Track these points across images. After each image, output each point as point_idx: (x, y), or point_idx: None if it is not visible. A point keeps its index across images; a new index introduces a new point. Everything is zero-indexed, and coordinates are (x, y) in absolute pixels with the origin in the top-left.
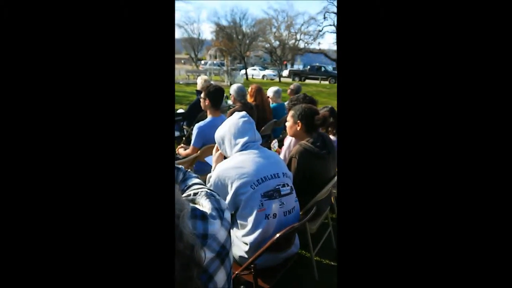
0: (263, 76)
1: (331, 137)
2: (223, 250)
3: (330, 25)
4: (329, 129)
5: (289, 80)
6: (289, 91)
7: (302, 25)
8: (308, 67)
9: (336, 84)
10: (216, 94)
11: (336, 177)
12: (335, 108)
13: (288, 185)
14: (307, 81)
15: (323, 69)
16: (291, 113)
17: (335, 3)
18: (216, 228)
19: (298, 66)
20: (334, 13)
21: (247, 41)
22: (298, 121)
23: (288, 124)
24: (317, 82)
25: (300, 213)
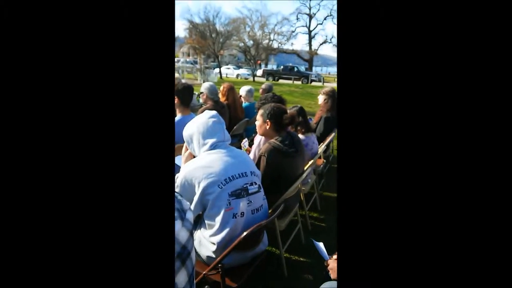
0: (237, 75)
1: (300, 136)
2: (184, 251)
3: (303, 26)
4: (298, 128)
5: (263, 79)
6: (261, 90)
7: (276, 25)
8: (282, 67)
9: (308, 85)
10: (185, 92)
11: (304, 175)
12: (305, 108)
13: (256, 184)
14: (281, 81)
15: (296, 69)
16: (260, 112)
17: (308, 4)
18: (177, 228)
19: (272, 66)
20: (307, 14)
21: (221, 40)
22: (267, 120)
23: (257, 123)
24: (290, 82)
25: (270, 211)
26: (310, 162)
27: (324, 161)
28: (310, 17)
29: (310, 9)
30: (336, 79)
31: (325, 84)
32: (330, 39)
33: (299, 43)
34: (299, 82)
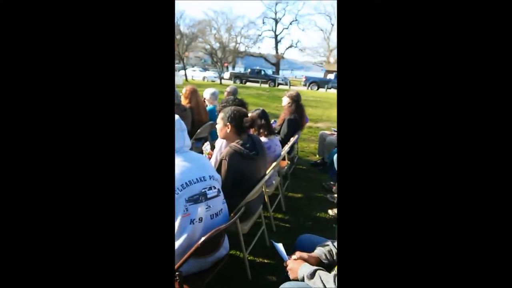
0: (204, 77)
1: (263, 138)
2: None
3: (269, 30)
4: (261, 130)
5: (231, 82)
6: (225, 93)
7: (242, 28)
8: (249, 70)
9: (275, 88)
10: None
11: (266, 177)
12: (272, 111)
13: (215, 188)
14: (248, 84)
15: (263, 72)
16: (221, 115)
17: (273, 9)
18: None
19: (239, 69)
20: (273, 18)
21: (186, 41)
22: (228, 123)
23: (218, 126)
24: (257, 85)
25: (232, 214)
26: (274, 164)
27: (289, 162)
28: (276, 21)
29: (276, 13)
30: (302, 83)
31: (291, 87)
32: (296, 44)
33: (266, 47)
34: (267, 85)
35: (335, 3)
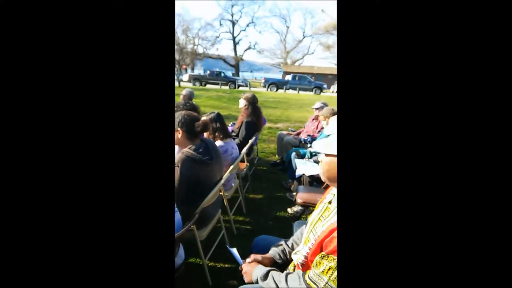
0: None
1: (219, 142)
2: None
3: (227, 32)
4: (216, 134)
5: (190, 84)
6: (181, 96)
7: (199, 30)
8: (208, 72)
9: (235, 90)
10: None
11: (221, 181)
12: (232, 113)
13: None
14: (208, 86)
15: (223, 74)
16: None
17: (230, 11)
18: None
19: (198, 71)
20: (230, 20)
21: None
22: (179, 129)
23: None
24: (217, 87)
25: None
26: (231, 167)
27: (248, 164)
28: (233, 23)
29: (232, 15)
30: (261, 84)
31: (251, 89)
32: (254, 46)
33: (225, 49)
34: (227, 87)
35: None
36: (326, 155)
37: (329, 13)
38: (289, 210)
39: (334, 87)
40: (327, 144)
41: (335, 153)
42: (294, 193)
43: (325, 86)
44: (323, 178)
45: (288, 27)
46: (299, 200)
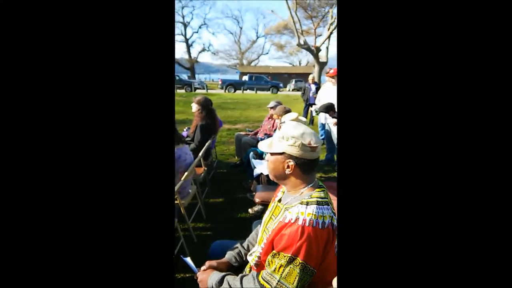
0: None
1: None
2: None
3: (179, 34)
4: None
5: None
6: None
7: None
8: None
9: (192, 93)
10: None
11: (175, 189)
12: (189, 117)
13: None
14: None
15: (178, 78)
16: None
17: (180, 12)
18: None
19: None
20: (181, 22)
21: None
22: None
23: None
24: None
25: None
26: (186, 174)
27: (206, 169)
28: (185, 25)
29: (183, 17)
30: (219, 86)
31: (209, 91)
32: (208, 47)
33: (178, 52)
34: (183, 91)
35: (241, 7)
36: (271, 154)
37: (279, 14)
38: (250, 210)
39: (290, 86)
40: (270, 143)
41: (280, 151)
42: (254, 193)
43: (281, 85)
44: (271, 177)
45: (241, 28)
46: (257, 200)
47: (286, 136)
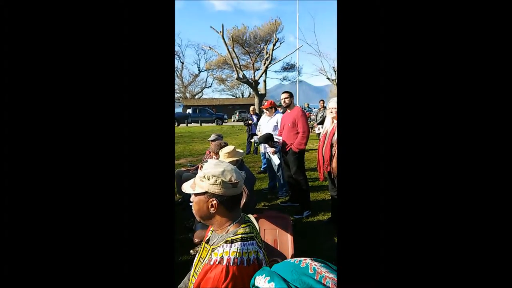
0: None
1: None
2: None
3: None
4: None
5: None
6: None
7: None
8: None
9: None
10: None
11: None
12: None
13: None
14: None
15: None
16: None
17: None
18: None
19: None
20: None
21: None
22: None
23: None
24: None
25: None
26: None
27: None
28: None
29: None
30: None
31: None
32: None
33: None
34: None
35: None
36: (195, 195)
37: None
38: (191, 251)
39: (234, 116)
40: (193, 184)
41: (202, 191)
42: (196, 233)
43: (225, 116)
44: (198, 218)
45: (183, 63)
46: (196, 240)
47: (207, 175)
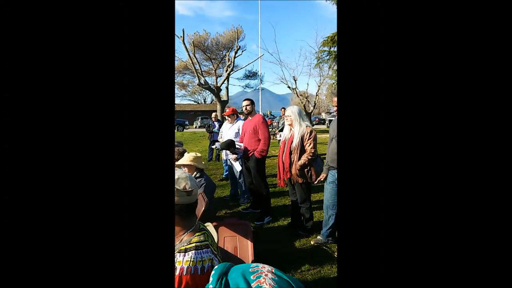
0: None
1: None
2: None
3: None
4: None
5: None
6: None
7: None
8: None
9: None
10: None
11: None
12: None
13: None
14: None
15: None
16: None
17: None
18: None
19: None
20: None
21: None
22: None
23: None
24: None
25: None
26: None
27: None
28: None
29: None
30: None
31: None
32: None
33: None
34: None
35: None
36: None
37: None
38: None
39: (196, 123)
40: None
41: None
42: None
43: (187, 122)
44: None
45: None
46: None
47: None
